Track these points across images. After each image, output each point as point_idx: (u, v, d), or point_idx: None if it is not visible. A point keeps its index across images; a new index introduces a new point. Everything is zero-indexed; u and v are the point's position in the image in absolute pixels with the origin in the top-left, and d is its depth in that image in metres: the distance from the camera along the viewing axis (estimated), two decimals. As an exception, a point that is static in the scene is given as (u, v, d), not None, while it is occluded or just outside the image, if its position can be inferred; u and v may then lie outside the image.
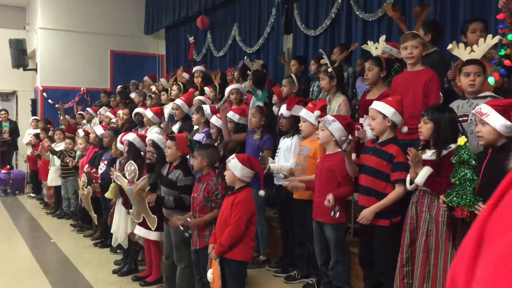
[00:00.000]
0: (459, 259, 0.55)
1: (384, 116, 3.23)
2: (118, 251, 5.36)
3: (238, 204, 3.32)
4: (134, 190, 4.37)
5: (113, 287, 4.58)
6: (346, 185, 3.52)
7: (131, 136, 4.81)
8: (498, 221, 0.51)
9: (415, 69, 3.63)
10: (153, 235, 4.44)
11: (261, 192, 3.65)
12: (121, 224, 4.92)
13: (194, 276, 3.97)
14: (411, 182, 2.97)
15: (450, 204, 2.57)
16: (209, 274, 3.41)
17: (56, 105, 11.28)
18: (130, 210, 4.57)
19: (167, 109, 6.85)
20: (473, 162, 2.55)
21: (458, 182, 2.54)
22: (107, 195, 5.09)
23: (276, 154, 4.52)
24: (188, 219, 3.71)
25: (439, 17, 5.18)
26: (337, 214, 3.41)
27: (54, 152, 7.60)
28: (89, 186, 5.84)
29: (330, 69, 4.39)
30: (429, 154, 2.94)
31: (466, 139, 2.59)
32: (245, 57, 7.64)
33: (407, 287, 2.99)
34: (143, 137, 4.83)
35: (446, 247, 2.81)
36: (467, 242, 0.54)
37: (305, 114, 4.02)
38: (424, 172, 2.79)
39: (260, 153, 4.44)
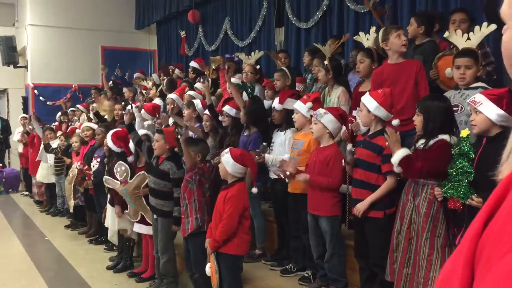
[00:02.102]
0: (447, 278, 0.51)
1: (369, 110, 3.24)
2: (114, 248, 5.34)
3: (230, 199, 3.34)
4: (130, 190, 4.37)
5: (109, 284, 4.57)
6: (331, 177, 3.51)
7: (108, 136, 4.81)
8: (495, 238, 0.47)
9: (399, 61, 3.65)
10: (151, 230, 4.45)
11: (254, 190, 3.61)
12: (110, 221, 4.91)
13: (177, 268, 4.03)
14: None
15: (444, 195, 2.58)
16: (207, 268, 3.43)
17: (49, 103, 11.25)
18: (126, 211, 4.55)
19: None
20: (472, 155, 2.56)
21: (454, 173, 2.54)
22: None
23: (271, 147, 4.51)
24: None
25: (430, 6, 5.17)
26: (286, 180, 3.42)
27: (49, 150, 7.52)
28: (74, 171, 5.86)
29: (325, 62, 4.38)
30: (419, 144, 2.96)
31: (468, 132, 2.60)
32: (237, 54, 7.59)
33: (396, 272, 3.04)
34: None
35: (422, 236, 2.87)
36: (456, 260, 0.50)
37: (298, 105, 4.01)
38: (400, 153, 2.86)
39: (263, 143, 4.41)
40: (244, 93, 5.29)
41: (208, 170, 3.86)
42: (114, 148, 4.77)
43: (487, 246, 0.48)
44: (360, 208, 3.21)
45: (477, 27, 3.44)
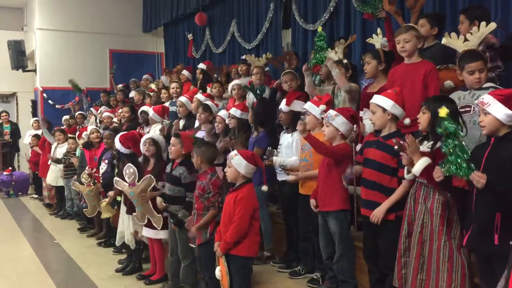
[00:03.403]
0: None
1: (384, 110, 3.22)
2: (123, 250, 5.36)
3: (240, 201, 3.34)
4: (137, 192, 4.37)
5: (118, 287, 4.58)
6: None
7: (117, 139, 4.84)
8: None
9: (412, 61, 3.62)
10: (161, 234, 4.45)
11: (264, 188, 3.68)
12: (125, 225, 4.89)
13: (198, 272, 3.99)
14: (408, 171, 2.96)
15: (447, 174, 2.52)
16: (217, 271, 3.42)
17: (58, 106, 11.35)
18: (134, 214, 4.55)
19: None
20: (461, 133, 2.51)
21: (450, 152, 2.48)
22: (103, 216, 5.52)
23: (278, 149, 4.50)
24: (193, 229, 3.78)
25: (438, 9, 5.15)
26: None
27: (58, 161, 7.62)
28: (92, 185, 5.87)
29: (345, 61, 4.45)
30: (424, 146, 2.94)
31: (447, 111, 2.53)
32: (246, 56, 7.61)
33: (404, 277, 3.01)
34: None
35: (439, 239, 2.83)
36: None
37: (310, 107, 4.00)
38: (422, 162, 2.78)
39: (269, 148, 4.42)
40: (252, 95, 5.29)
41: (214, 182, 3.81)
42: (122, 149, 4.78)
43: None
44: (378, 215, 3.16)
45: (475, 28, 3.41)
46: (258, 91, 5.05)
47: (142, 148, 4.55)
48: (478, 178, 2.41)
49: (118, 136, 4.88)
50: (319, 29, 4.66)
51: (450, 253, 2.80)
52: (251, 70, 6.20)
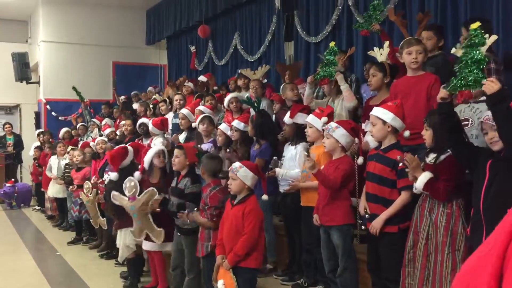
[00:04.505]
0: (473, 272, 0.51)
1: (384, 122, 3.23)
2: (124, 263, 5.33)
3: (250, 213, 3.35)
4: (138, 206, 4.30)
5: (120, 299, 4.57)
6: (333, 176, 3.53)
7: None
8: None
9: (416, 74, 3.63)
10: (167, 246, 4.43)
11: (265, 197, 3.67)
12: (121, 238, 4.86)
13: (202, 286, 3.97)
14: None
15: (452, 92, 2.49)
16: (220, 285, 3.38)
17: (61, 118, 11.39)
18: (131, 229, 4.50)
19: (169, 119, 6.87)
20: (485, 42, 2.48)
21: (464, 63, 2.44)
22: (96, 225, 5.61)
23: (281, 161, 4.50)
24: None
25: (440, 20, 5.18)
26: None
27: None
28: (93, 192, 5.85)
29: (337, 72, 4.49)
30: (430, 159, 2.95)
31: (479, 23, 2.52)
32: (238, 71, 7.66)
33: (408, 287, 3.00)
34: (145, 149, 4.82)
35: (443, 251, 2.83)
36: (486, 255, 0.51)
37: (312, 120, 4.01)
38: (423, 177, 2.83)
39: (274, 158, 4.42)
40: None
41: (213, 195, 3.83)
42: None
43: None
44: (376, 226, 3.18)
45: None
46: (255, 104, 5.06)
47: (155, 160, 4.54)
48: (490, 84, 2.36)
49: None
50: (332, 44, 4.63)
51: (453, 265, 2.80)
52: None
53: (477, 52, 2.45)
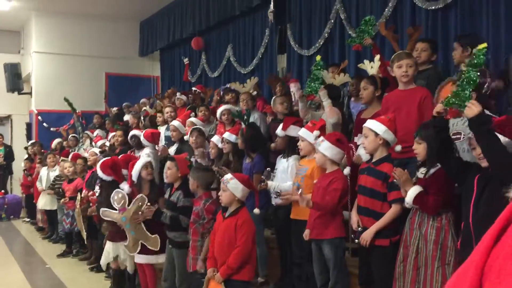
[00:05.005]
0: (455, 286, 0.53)
1: (376, 134, 3.24)
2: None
3: (243, 225, 3.33)
4: (129, 216, 4.27)
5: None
6: (328, 197, 3.51)
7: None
8: (508, 252, 0.49)
9: (407, 88, 3.65)
10: (160, 258, 4.39)
11: (256, 210, 3.64)
12: (106, 251, 4.83)
13: None
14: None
15: (446, 107, 2.63)
16: None
17: (52, 129, 11.32)
18: (125, 244, 4.46)
19: (162, 131, 6.84)
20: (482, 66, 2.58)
21: (461, 82, 2.54)
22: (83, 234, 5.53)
23: (273, 174, 4.50)
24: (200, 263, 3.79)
25: (430, 34, 5.23)
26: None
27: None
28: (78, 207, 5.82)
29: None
30: (420, 172, 2.96)
31: (486, 45, 2.63)
32: (227, 85, 7.69)
33: None
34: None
35: (432, 265, 2.83)
36: (466, 271, 0.52)
37: (304, 133, 4.01)
38: (412, 192, 2.86)
39: (267, 168, 4.41)
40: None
41: (208, 207, 3.82)
42: (104, 176, 4.75)
43: (499, 259, 0.49)
44: (366, 238, 3.17)
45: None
46: (245, 117, 5.06)
47: (143, 172, 4.51)
48: (473, 106, 2.46)
49: (99, 163, 4.89)
50: (318, 58, 4.66)
51: (443, 279, 2.80)
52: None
53: (474, 73, 2.53)
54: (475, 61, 2.56)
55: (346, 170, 3.49)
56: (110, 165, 4.69)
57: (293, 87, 5.13)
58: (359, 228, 3.28)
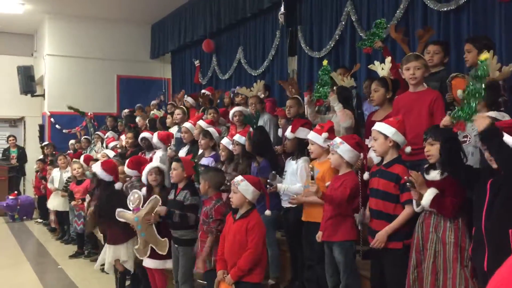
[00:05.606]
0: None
1: (386, 137, 3.22)
2: (126, 277, 5.30)
3: (254, 228, 3.34)
4: (141, 216, 4.29)
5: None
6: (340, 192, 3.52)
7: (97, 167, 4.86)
8: None
9: (418, 90, 3.63)
10: (168, 264, 4.40)
11: (267, 212, 3.66)
12: (106, 253, 4.85)
13: None
14: (418, 204, 2.95)
15: (453, 120, 2.61)
16: None
17: (65, 130, 11.42)
18: (135, 248, 4.47)
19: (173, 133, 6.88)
20: (485, 79, 2.55)
21: (467, 93, 2.52)
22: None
23: (283, 176, 4.49)
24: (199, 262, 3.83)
25: (442, 36, 5.20)
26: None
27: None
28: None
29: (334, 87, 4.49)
30: (433, 175, 2.93)
31: (488, 56, 2.59)
32: (234, 90, 7.70)
33: None
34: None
35: (454, 268, 2.79)
36: None
37: (313, 136, 4.00)
38: (429, 194, 2.80)
39: (272, 172, 4.41)
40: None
41: (217, 208, 3.83)
42: (103, 175, 4.77)
43: None
44: (380, 239, 3.14)
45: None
46: (254, 120, 5.06)
47: (148, 177, 4.53)
48: (481, 119, 2.45)
49: (98, 163, 4.93)
50: (324, 62, 4.63)
51: (466, 282, 2.75)
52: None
53: (480, 85, 2.50)
54: (479, 73, 2.51)
55: (366, 175, 3.47)
56: (111, 166, 4.76)
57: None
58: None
